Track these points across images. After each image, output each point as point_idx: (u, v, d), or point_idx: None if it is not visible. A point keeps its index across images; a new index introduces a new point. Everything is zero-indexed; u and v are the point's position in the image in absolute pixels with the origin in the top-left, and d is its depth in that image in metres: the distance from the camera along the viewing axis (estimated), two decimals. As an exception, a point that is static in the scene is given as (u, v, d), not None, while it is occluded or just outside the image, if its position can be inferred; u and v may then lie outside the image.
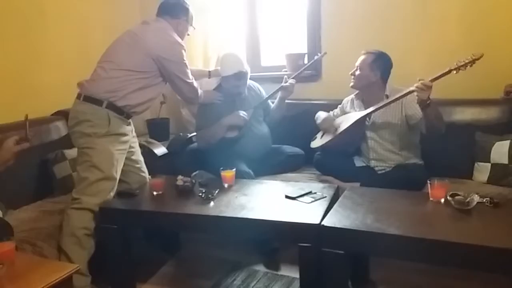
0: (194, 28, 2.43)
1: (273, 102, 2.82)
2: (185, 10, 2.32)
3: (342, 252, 1.62)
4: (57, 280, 1.40)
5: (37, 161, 2.48)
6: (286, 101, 2.75)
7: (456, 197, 1.74)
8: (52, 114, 2.74)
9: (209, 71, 2.87)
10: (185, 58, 2.23)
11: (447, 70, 2.09)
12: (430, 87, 2.07)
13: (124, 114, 2.16)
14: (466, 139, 2.44)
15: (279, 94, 2.73)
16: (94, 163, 2.05)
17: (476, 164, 2.39)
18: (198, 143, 2.76)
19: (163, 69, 2.19)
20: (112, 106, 2.10)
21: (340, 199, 1.91)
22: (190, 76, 2.29)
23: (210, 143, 2.63)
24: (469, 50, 2.10)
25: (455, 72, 2.08)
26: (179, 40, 2.23)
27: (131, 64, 2.12)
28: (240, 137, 2.60)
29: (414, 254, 1.55)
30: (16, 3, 2.55)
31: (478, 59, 2.05)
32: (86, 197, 2.03)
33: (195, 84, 2.35)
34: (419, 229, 1.60)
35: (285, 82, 2.67)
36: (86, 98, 2.10)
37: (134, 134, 2.37)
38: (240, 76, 2.60)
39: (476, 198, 1.72)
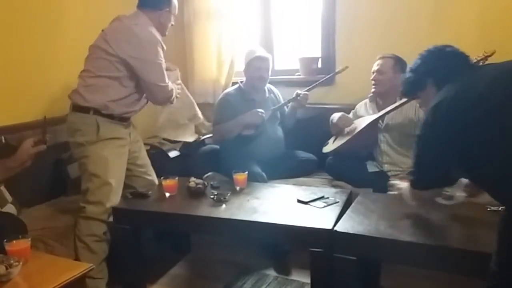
0: (175, 16, 2.26)
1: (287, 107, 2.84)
2: (167, 1, 2.16)
3: (354, 258, 1.60)
4: (71, 279, 1.42)
5: (52, 161, 2.51)
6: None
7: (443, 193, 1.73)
8: (67, 114, 2.76)
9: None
10: (159, 58, 2.07)
11: None
12: None
13: (116, 118, 2.11)
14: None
15: (291, 104, 2.75)
16: (91, 171, 2.05)
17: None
18: (214, 137, 2.78)
19: (133, 71, 2.05)
20: (99, 112, 2.06)
21: (353, 204, 1.90)
22: (165, 78, 2.11)
23: (226, 138, 2.64)
24: (484, 48, 2.07)
25: None
26: (153, 37, 2.05)
27: (105, 69, 2.05)
28: (256, 135, 2.61)
29: (427, 261, 1.53)
30: (35, 5, 2.58)
31: (490, 55, 2.04)
32: (90, 206, 2.04)
33: (170, 86, 2.15)
34: (433, 236, 1.58)
35: (297, 96, 2.66)
36: (74, 107, 2.09)
37: (138, 138, 2.36)
38: (260, 58, 2.64)
39: (460, 195, 1.69)
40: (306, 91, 2.68)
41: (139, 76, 2.07)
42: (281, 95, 2.88)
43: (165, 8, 2.16)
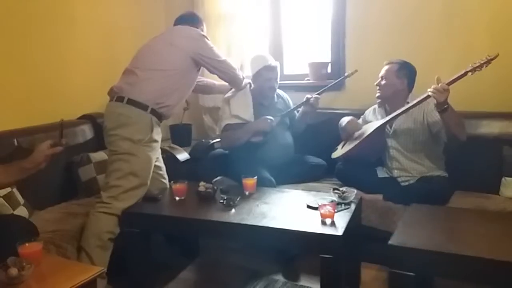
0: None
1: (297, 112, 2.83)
2: (201, 21, 2.44)
3: (412, 274, 1.50)
4: (82, 282, 1.42)
5: (63, 164, 2.53)
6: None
7: None
8: (78, 118, 2.80)
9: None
10: (213, 46, 2.33)
11: (462, 72, 2.08)
12: (446, 90, 2.06)
13: (162, 117, 2.21)
14: (493, 153, 2.39)
15: (302, 108, 2.74)
16: (134, 171, 2.07)
17: (503, 179, 2.34)
18: (222, 143, 2.77)
19: (202, 62, 2.28)
20: (154, 111, 2.13)
21: (404, 217, 1.84)
22: (227, 60, 2.40)
23: (234, 145, 2.64)
24: (497, 60, 2.06)
25: (470, 73, 2.07)
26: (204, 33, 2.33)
27: (166, 63, 2.17)
28: (265, 142, 2.61)
29: (495, 278, 1.43)
30: (48, 10, 2.62)
31: (493, 59, 2.04)
32: (118, 202, 2.05)
33: (232, 63, 2.45)
34: (500, 249, 1.50)
35: (308, 100, 2.65)
36: (131, 101, 2.09)
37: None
38: (270, 68, 2.64)
39: None
40: (317, 94, 2.67)
41: (209, 67, 2.33)
42: (291, 100, 2.88)
43: (200, 26, 2.41)
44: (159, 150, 2.40)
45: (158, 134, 2.20)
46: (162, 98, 2.15)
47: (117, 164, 2.09)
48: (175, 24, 2.41)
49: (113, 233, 2.06)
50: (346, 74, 2.70)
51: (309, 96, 2.65)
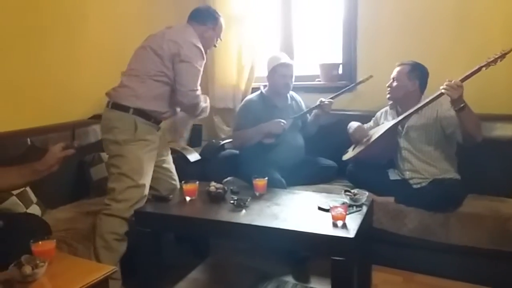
0: (221, 40, 2.37)
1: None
2: (214, 19, 2.28)
3: None
4: (94, 281, 1.43)
5: (75, 163, 2.55)
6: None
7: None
8: (89, 118, 2.82)
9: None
10: (198, 63, 2.13)
11: (477, 68, 2.07)
12: (460, 86, 2.04)
13: (152, 119, 2.16)
14: (507, 156, 2.36)
15: (314, 111, 2.74)
16: (124, 172, 2.07)
17: (517, 182, 2.31)
18: (233, 142, 2.78)
19: (173, 69, 2.11)
20: (138, 112, 2.10)
21: None
22: (197, 85, 2.15)
23: (245, 145, 2.65)
24: (511, 62, 2.04)
25: (485, 68, 2.05)
26: (198, 43, 2.14)
27: (151, 69, 2.11)
28: (276, 144, 2.61)
29: None
30: (60, 8, 2.64)
31: (508, 53, 2.02)
32: (116, 203, 2.06)
33: (200, 96, 2.19)
34: None
35: (321, 102, 2.65)
36: (114, 105, 2.12)
37: (167, 143, 2.39)
38: (285, 65, 2.65)
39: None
40: (331, 98, 2.66)
41: (176, 73, 2.11)
42: (303, 102, 2.88)
43: (209, 24, 2.26)
44: (168, 153, 2.41)
45: (148, 134, 2.14)
46: (142, 105, 2.10)
47: (111, 168, 2.14)
48: (187, 20, 2.30)
49: (117, 234, 2.06)
50: (360, 79, 2.67)
51: (323, 99, 2.65)
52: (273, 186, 2.31)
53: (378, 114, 2.65)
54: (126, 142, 2.08)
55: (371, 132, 2.54)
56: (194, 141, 3.20)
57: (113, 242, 2.06)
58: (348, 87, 2.75)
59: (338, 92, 2.72)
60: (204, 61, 2.19)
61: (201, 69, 2.17)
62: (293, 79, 2.72)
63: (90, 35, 2.84)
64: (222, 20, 2.32)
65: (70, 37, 2.71)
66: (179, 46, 2.09)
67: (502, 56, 2.02)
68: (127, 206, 2.07)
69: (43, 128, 2.44)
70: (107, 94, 2.18)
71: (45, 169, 1.70)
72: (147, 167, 2.14)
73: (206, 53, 2.26)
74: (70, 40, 2.72)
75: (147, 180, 2.15)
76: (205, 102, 2.31)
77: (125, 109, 2.09)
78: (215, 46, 2.37)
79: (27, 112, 2.47)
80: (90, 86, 2.86)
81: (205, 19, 2.26)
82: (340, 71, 3.08)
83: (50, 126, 2.47)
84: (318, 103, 2.67)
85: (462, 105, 2.06)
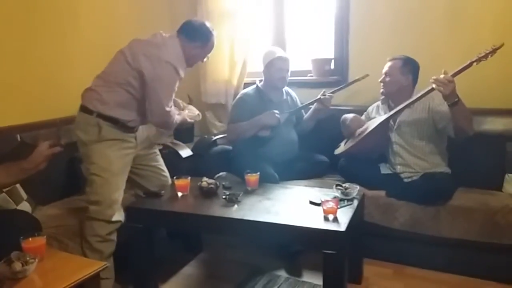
0: (208, 58, 2.30)
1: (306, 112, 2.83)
2: (205, 38, 2.18)
3: None
4: (85, 277, 1.43)
5: (66, 160, 2.52)
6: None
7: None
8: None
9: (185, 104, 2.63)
10: (171, 81, 2.06)
11: (468, 63, 2.08)
12: (451, 82, 2.04)
13: (119, 124, 2.09)
14: (496, 149, 2.38)
15: (314, 106, 2.73)
16: (93, 171, 2.04)
17: (506, 176, 2.33)
18: (228, 136, 2.78)
19: (143, 86, 2.04)
20: (103, 117, 2.05)
21: None
22: (169, 103, 2.08)
23: (240, 138, 2.65)
24: (502, 57, 2.05)
25: (476, 64, 2.07)
26: (173, 61, 2.04)
27: (120, 76, 2.06)
28: (271, 138, 2.61)
29: None
30: (51, 5, 2.61)
31: (498, 48, 2.03)
32: (92, 206, 2.05)
33: (172, 113, 2.13)
34: None
35: (323, 95, 2.65)
36: (81, 107, 2.10)
37: (148, 141, 2.36)
38: (282, 59, 2.66)
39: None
40: (331, 93, 2.66)
41: (146, 92, 2.05)
42: (298, 99, 2.88)
43: (199, 43, 2.18)
44: (155, 149, 2.39)
45: (117, 135, 2.08)
46: (105, 110, 2.05)
47: (84, 171, 2.14)
48: (178, 29, 2.19)
49: (100, 236, 2.03)
50: (356, 78, 2.65)
51: (325, 91, 2.65)
52: (266, 180, 2.31)
53: (370, 108, 2.66)
54: (91, 142, 2.05)
55: (363, 126, 2.55)
56: (186, 137, 3.19)
57: (97, 244, 2.04)
58: (346, 84, 2.73)
59: (338, 88, 2.72)
60: (181, 77, 2.11)
61: (175, 87, 2.10)
62: (289, 73, 2.72)
63: (81, 32, 2.82)
64: (214, 38, 2.23)
65: (61, 33, 2.69)
66: (152, 63, 2.01)
67: (493, 51, 2.03)
68: (102, 207, 2.03)
69: (33, 124, 2.42)
70: (81, 95, 2.15)
71: (32, 168, 1.69)
72: (119, 165, 2.08)
73: (190, 66, 2.22)
74: (61, 37, 2.69)
75: (120, 179, 2.10)
76: (178, 114, 2.24)
77: (89, 112, 2.06)
78: (202, 61, 2.31)
79: (17, 108, 2.45)
80: (82, 82, 2.81)
81: (195, 37, 2.16)
82: (332, 66, 3.09)
83: (40, 122, 2.45)
84: (319, 96, 2.66)
85: (456, 99, 2.07)
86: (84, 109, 2.08)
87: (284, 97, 2.79)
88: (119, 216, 2.07)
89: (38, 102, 2.56)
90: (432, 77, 2.08)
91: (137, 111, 2.12)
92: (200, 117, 2.47)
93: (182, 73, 2.11)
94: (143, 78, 2.02)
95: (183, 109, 2.39)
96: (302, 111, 2.83)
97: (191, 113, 2.39)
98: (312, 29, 3.29)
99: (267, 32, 3.32)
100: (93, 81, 2.14)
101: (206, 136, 3.13)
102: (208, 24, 2.22)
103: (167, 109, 2.08)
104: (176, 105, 2.39)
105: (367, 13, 2.90)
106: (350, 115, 2.59)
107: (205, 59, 2.29)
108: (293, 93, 2.89)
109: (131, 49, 2.09)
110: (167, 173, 2.41)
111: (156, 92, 2.03)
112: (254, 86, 2.79)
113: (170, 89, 2.07)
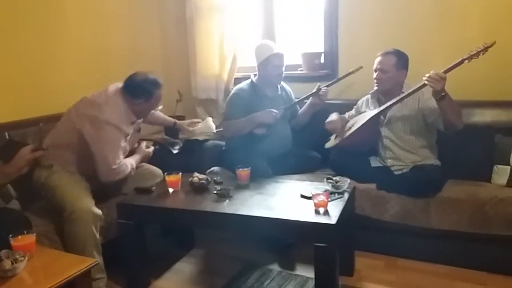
0: (161, 106, 2.39)
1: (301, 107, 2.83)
2: (147, 94, 2.18)
3: None
4: (76, 274, 1.42)
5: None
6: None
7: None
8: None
9: (175, 122, 2.78)
10: (113, 140, 2.09)
11: (459, 60, 2.09)
12: (443, 78, 2.06)
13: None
14: (485, 141, 2.41)
15: (309, 100, 2.72)
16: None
17: (495, 167, 2.36)
18: (224, 133, 2.76)
19: (86, 145, 2.08)
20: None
21: None
22: (115, 160, 2.09)
23: (236, 135, 2.65)
24: (490, 50, 2.06)
25: (467, 61, 2.08)
26: (113, 120, 2.08)
27: (64, 137, 2.14)
28: (267, 135, 2.61)
29: None
30: (38, 3, 2.58)
31: (490, 46, 2.05)
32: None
33: (118, 168, 2.12)
34: None
35: (318, 90, 2.64)
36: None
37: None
38: (278, 55, 2.63)
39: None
40: (326, 87, 2.65)
41: (91, 152, 2.09)
42: (293, 93, 2.87)
43: (140, 99, 2.19)
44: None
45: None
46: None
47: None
48: (123, 84, 2.21)
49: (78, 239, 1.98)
50: (351, 70, 2.64)
51: (320, 85, 2.64)
52: (259, 174, 2.31)
53: (360, 102, 2.66)
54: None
55: (352, 120, 2.56)
56: (176, 133, 3.18)
57: (79, 246, 1.98)
58: (341, 77, 2.71)
59: (333, 81, 2.71)
60: (127, 132, 2.16)
61: (120, 143, 2.12)
62: (284, 65, 2.69)
63: (69, 27, 2.78)
64: (159, 91, 2.23)
65: (48, 29, 2.65)
66: (92, 125, 2.07)
67: (485, 49, 2.05)
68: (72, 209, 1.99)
69: (21, 122, 2.39)
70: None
71: (15, 172, 1.69)
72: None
73: (143, 117, 2.32)
74: (48, 32, 2.65)
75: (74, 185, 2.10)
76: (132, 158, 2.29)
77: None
78: (154, 111, 2.38)
79: (5, 106, 2.42)
80: (70, 80, 2.80)
81: (137, 94, 2.17)
82: (322, 60, 3.09)
83: (28, 120, 2.42)
84: (314, 90, 2.65)
85: (443, 94, 2.09)
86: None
87: (279, 92, 2.77)
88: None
89: (26, 100, 2.53)
90: (426, 75, 2.09)
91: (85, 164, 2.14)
92: (214, 130, 2.65)
93: (127, 129, 2.15)
94: (85, 139, 2.07)
95: (195, 125, 2.73)
96: (297, 106, 2.82)
97: (204, 126, 2.61)
98: (302, 23, 3.28)
99: (256, 27, 3.31)
100: (46, 139, 2.09)
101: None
102: (151, 76, 2.21)
103: (114, 166, 2.10)
104: (189, 125, 2.64)
105: (356, 7, 2.90)
106: (331, 116, 2.58)
107: (155, 109, 2.36)
108: (287, 87, 2.87)
109: (77, 110, 2.15)
110: (155, 168, 2.46)
111: (99, 152, 2.08)
112: (249, 81, 2.76)
113: (113, 147, 2.10)
